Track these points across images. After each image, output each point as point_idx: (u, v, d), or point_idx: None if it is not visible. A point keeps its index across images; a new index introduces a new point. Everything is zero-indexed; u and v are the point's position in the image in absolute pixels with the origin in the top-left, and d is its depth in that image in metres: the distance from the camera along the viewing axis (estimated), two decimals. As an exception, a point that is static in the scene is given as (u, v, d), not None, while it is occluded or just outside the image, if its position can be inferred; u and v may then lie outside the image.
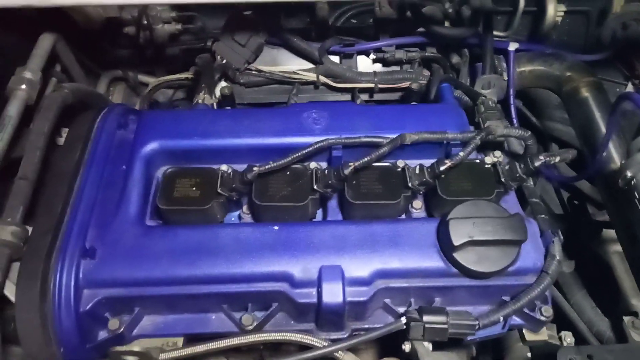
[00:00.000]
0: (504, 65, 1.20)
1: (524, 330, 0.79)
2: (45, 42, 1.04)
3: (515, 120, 1.18)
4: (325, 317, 0.74)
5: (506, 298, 0.76)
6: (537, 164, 0.78)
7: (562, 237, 0.76)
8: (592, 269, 1.17)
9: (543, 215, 0.80)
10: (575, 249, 1.20)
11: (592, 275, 1.16)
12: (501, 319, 0.72)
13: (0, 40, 1.03)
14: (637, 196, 0.77)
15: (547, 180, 1.35)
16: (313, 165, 0.84)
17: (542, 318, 0.75)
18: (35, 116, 0.95)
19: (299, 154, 0.80)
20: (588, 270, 1.18)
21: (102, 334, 0.75)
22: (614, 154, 1.02)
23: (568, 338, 0.86)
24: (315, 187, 0.80)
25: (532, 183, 0.87)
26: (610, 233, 1.14)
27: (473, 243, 0.71)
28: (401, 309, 0.77)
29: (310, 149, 0.83)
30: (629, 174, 0.77)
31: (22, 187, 0.82)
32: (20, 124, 0.93)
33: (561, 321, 1.05)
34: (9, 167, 0.88)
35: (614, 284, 1.11)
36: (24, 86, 0.94)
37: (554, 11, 1.34)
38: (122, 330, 0.74)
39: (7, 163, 0.89)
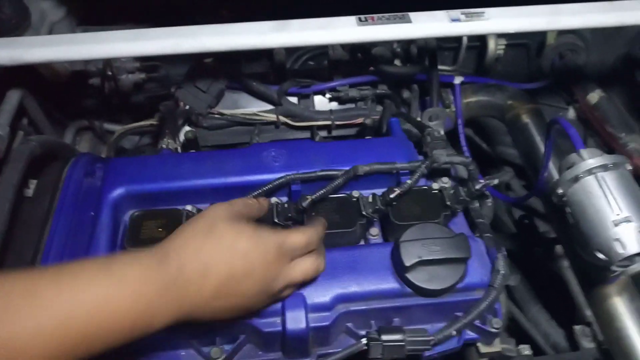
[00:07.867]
0: (452, 97, 1.30)
1: (478, 344, 0.84)
2: (13, 98, 1.08)
3: (465, 148, 1.27)
4: (291, 345, 0.78)
5: (459, 314, 0.81)
6: (477, 187, 0.85)
7: (505, 253, 0.82)
8: (548, 285, 1.24)
9: (488, 234, 0.86)
10: (531, 266, 1.26)
11: (549, 291, 1.23)
12: (454, 332, 0.77)
13: (-33, 99, 1.07)
14: (569, 211, 0.84)
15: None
16: (273, 200, 0.89)
17: (493, 330, 0.80)
18: (4, 169, 0.99)
19: (259, 191, 0.86)
20: (544, 285, 1.24)
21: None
22: (556, 175, 1.09)
23: (526, 350, 0.91)
24: (276, 220, 0.85)
25: (478, 205, 0.93)
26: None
27: (423, 263, 0.77)
28: (363, 332, 0.80)
29: (270, 186, 0.89)
30: (560, 191, 0.84)
31: (-9, 239, 0.85)
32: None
33: (520, 335, 1.11)
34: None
35: (570, 298, 1.17)
36: (-8, 142, 0.97)
37: (494, 45, 1.46)
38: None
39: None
